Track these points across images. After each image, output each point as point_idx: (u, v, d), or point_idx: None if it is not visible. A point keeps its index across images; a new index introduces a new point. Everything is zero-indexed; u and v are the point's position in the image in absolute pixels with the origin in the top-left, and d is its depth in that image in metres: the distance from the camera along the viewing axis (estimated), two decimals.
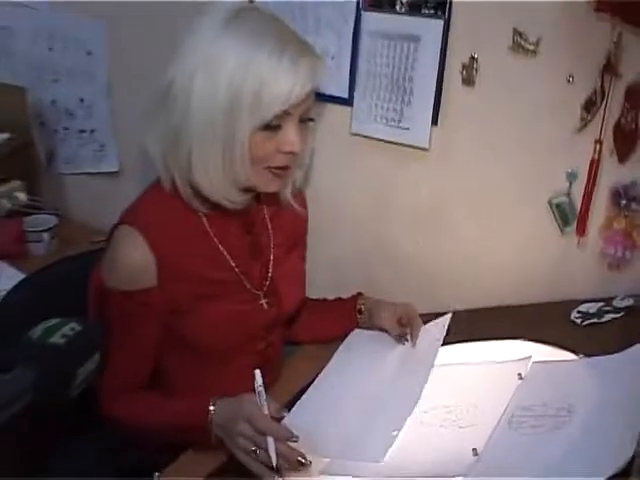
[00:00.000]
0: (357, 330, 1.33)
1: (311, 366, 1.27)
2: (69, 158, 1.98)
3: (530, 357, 1.14)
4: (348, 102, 1.47)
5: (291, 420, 1.05)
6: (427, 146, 1.40)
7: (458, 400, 1.09)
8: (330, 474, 0.98)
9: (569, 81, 1.23)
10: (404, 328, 1.25)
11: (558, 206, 1.31)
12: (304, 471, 0.98)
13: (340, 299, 1.38)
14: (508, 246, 1.39)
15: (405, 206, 1.49)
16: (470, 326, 1.29)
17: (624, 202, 1.24)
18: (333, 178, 1.55)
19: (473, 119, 1.35)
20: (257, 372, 1.05)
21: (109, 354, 1.06)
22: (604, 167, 1.25)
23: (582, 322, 1.23)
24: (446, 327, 1.20)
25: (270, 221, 1.25)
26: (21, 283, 1.37)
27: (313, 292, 1.45)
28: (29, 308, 1.31)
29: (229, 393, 1.07)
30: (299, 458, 0.97)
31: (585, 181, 1.26)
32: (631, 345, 1.06)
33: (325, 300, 1.40)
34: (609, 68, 1.17)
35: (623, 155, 1.22)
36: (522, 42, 1.25)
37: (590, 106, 1.21)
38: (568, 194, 1.30)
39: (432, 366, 1.15)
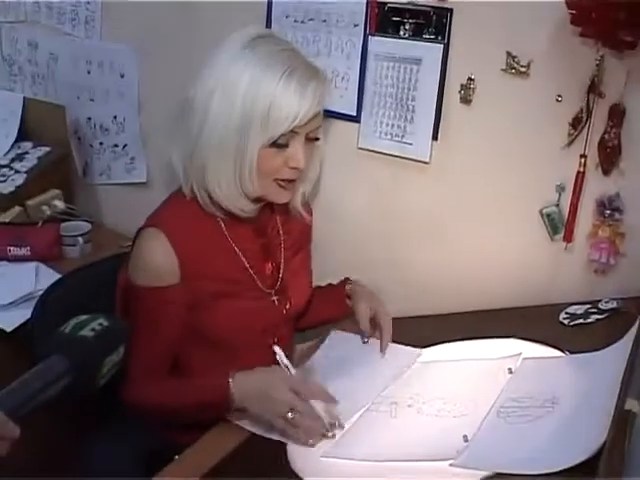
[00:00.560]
0: (334, 331, 1.33)
1: None
2: (103, 170, 2.02)
3: (520, 354, 1.15)
4: (356, 119, 1.49)
5: None
6: (428, 160, 1.41)
7: (453, 392, 1.10)
8: (330, 457, 0.99)
9: (558, 100, 1.24)
10: (373, 330, 1.25)
11: (548, 216, 1.31)
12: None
13: (330, 285, 1.39)
14: (502, 253, 1.39)
15: (407, 215, 1.49)
16: (466, 326, 1.30)
17: (608, 212, 1.24)
18: (341, 189, 1.56)
19: (470, 135, 1.36)
20: (276, 348, 1.07)
21: (134, 346, 1.10)
22: (590, 179, 1.25)
23: (570, 323, 1.23)
24: (415, 361, 1.21)
25: (281, 227, 1.28)
26: (57, 282, 1.40)
27: None
28: (64, 305, 1.33)
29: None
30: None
31: (571, 192, 1.26)
32: (613, 343, 1.07)
33: (318, 287, 1.40)
34: (593, 88, 1.18)
35: (607, 168, 1.22)
36: (515, 64, 1.27)
37: (577, 123, 1.22)
38: (557, 204, 1.30)
39: (389, 384, 1.16)
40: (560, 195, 1.30)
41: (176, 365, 1.22)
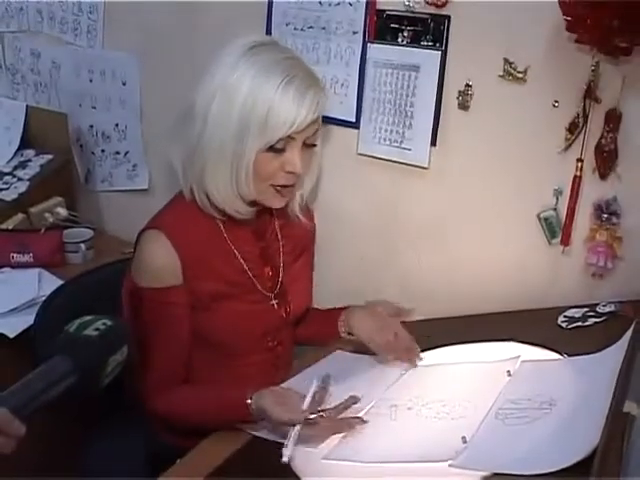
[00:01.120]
0: (338, 351, 1.32)
1: None
2: (105, 177, 2.03)
3: (519, 356, 1.16)
4: (355, 125, 1.50)
5: None
6: (427, 165, 1.43)
7: (452, 395, 1.11)
8: (331, 459, 1.00)
9: (554, 106, 1.25)
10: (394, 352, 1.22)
11: (546, 220, 1.32)
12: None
13: (330, 310, 1.37)
14: (501, 257, 1.40)
15: (407, 220, 1.50)
16: (465, 330, 1.31)
17: (605, 216, 1.25)
18: (341, 194, 1.57)
19: (468, 140, 1.38)
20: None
21: (147, 353, 1.11)
22: (587, 184, 1.26)
23: (568, 326, 1.23)
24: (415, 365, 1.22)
25: (280, 231, 1.28)
26: (60, 288, 1.42)
27: (321, 300, 1.47)
28: (66, 311, 1.34)
29: (243, 387, 1.09)
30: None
31: (569, 196, 1.27)
32: (610, 346, 1.08)
33: (318, 309, 1.41)
34: (589, 94, 1.19)
35: (604, 173, 1.23)
36: (512, 70, 1.28)
37: (573, 128, 1.23)
38: (555, 209, 1.31)
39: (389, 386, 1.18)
40: (557, 199, 1.31)
41: None
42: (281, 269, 1.27)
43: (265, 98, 1.07)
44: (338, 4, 1.46)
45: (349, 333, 1.30)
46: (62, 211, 1.94)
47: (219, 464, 1.03)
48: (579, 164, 1.25)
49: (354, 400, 1.08)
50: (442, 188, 1.44)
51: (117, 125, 1.96)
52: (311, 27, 1.51)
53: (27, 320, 1.49)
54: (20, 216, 1.90)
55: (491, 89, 1.32)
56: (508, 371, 1.13)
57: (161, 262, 1.13)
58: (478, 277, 1.44)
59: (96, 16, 1.90)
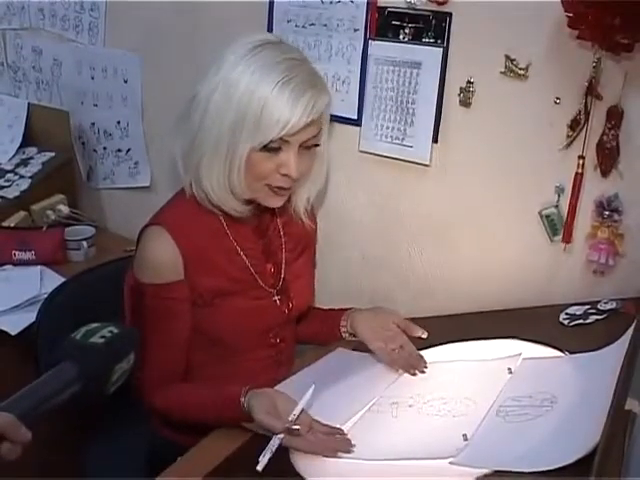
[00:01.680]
0: (340, 349, 1.32)
1: None
2: (107, 174, 2.04)
3: (520, 354, 1.16)
4: (357, 123, 1.50)
5: None
6: (428, 162, 1.43)
7: (454, 392, 1.11)
8: (332, 457, 1.00)
9: (556, 102, 1.25)
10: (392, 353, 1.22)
11: (548, 217, 1.32)
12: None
13: (332, 310, 1.37)
14: (502, 254, 1.40)
15: (408, 217, 1.50)
16: (468, 327, 1.32)
17: (607, 213, 1.24)
18: (343, 191, 1.57)
19: (470, 137, 1.38)
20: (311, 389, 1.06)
21: (147, 348, 1.11)
22: (589, 181, 1.26)
23: (569, 323, 1.23)
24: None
25: (282, 228, 1.28)
26: (62, 286, 1.41)
27: (324, 298, 1.49)
28: (68, 308, 1.35)
29: (246, 384, 1.09)
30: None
31: (570, 193, 1.27)
32: (611, 343, 1.08)
33: (319, 308, 1.41)
34: (591, 90, 1.18)
35: (605, 170, 1.23)
36: (513, 67, 1.28)
37: (575, 125, 1.23)
38: (557, 206, 1.31)
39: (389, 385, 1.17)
40: (559, 196, 1.30)
41: None
42: (283, 266, 1.27)
43: (261, 95, 1.06)
44: (339, 1, 1.46)
45: (351, 334, 1.30)
46: (64, 209, 1.95)
47: (219, 462, 1.03)
48: (581, 161, 1.24)
49: (340, 432, 1.05)
50: (444, 185, 1.44)
51: (119, 122, 1.96)
52: (312, 24, 1.51)
53: (29, 318, 1.50)
54: (22, 214, 1.91)
55: (493, 86, 1.32)
56: (509, 369, 1.12)
57: (163, 258, 1.13)
58: (479, 274, 1.44)
59: (98, 13, 1.90)
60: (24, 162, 2.05)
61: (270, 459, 0.97)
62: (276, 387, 1.18)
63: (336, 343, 1.34)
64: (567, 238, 1.30)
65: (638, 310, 1.18)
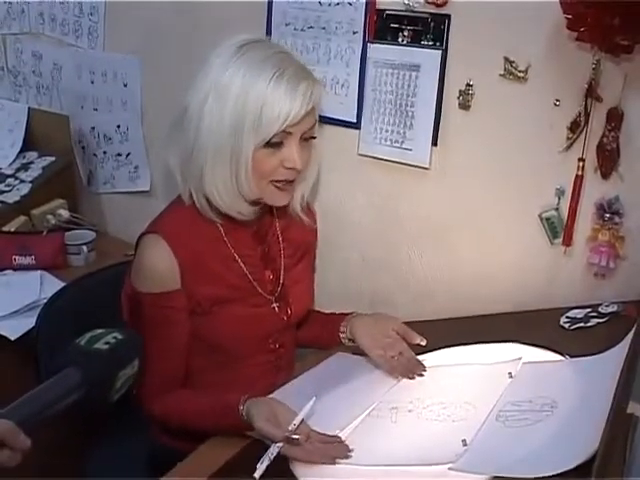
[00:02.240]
0: (340, 353, 1.31)
1: None
2: (107, 179, 2.04)
3: (520, 358, 1.15)
4: (356, 126, 1.50)
5: None
6: (428, 165, 1.42)
7: (453, 397, 1.10)
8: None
9: (556, 105, 1.24)
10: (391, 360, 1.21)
11: (548, 220, 1.31)
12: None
13: (332, 314, 1.36)
14: (502, 257, 1.40)
15: (408, 220, 1.50)
16: (467, 331, 1.30)
17: (608, 215, 1.24)
18: (342, 195, 1.57)
19: (469, 140, 1.37)
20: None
21: (145, 355, 1.10)
22: (589, 183, 1.26)
23: (570, 327, 1.22)
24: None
25: (281, 233, 1.27)
26: (61, 291, 1.41)
27: (323, 300, 1.48)
28: (68, 313, 1.35)
29: (245, 390, 1.10)
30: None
31: (570, 195, 1.26)
32: (612, 347, 1.07)
33: (319, 312, 1.40)
34: (591, 92, 1.18)
35: (606, 172, 1.22)
36: (513, 69, 1.27)
37: (575, 127, 1.22)
38: (557, 208, 1.30)
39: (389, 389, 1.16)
40: (559, 199, 1.30)
41: None
42: (282, 272, 1.26)
43: (258, 94, 1.06)
44: (338, 4, 1.46)
45: (350, 340, 1.29)
46: (64, 213, 1.95)
47: (218, 467, 1.03)
48: (581, 163, 1.24)
49: (338, 440, 1.04)
50: (443, 188, 1.43)
51: (119, 127, 1.96)
52: (311, 27, 1.51)
53: (28, 323, 1.50)
54: (22, 218, 1.91)
55: (492, 88, 1.31)
56: (509, 373, 1.12)
57: (160, 267, 1.13)
58: (479, 277, 1.44)
59: (97, 17, 1.90)
60: (24, 166, 2.05)
61: (268, 466, 0.97)
62: (276, 391, 1.17)
63: (336, 347, 1.33)
64: (567, 241, 1.29)
65: (639, 313, 1.17)
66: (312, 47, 1.52)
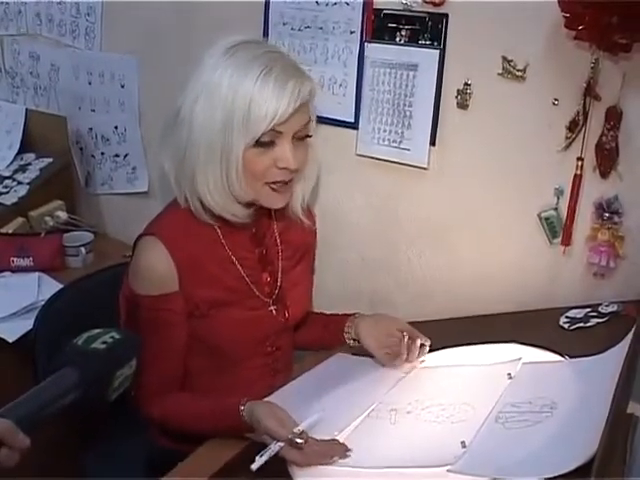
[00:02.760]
0: (340, 354, 1.31)
1: None
2: (105, 180, 2.03)
3: (520, 359, 1.14)
4: (354, 126, 1.49)
5: None
6: (426, 165, 1.42)
7: (452, 398, 1.09)
8: (330, 465, 0.99)
9: (554, 104, 1.24)
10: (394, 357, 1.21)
11: (547, 219, 1.31)
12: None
13: (335, 315, 1.35)
14: (501, 257, 1.39)
15: (406, 220, 1.49)
16: (466, 331, 1.30)
17: (607, 215, 1.23)
18: (341, 195, 1.56)
19: (468, 140, 1.37)
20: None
21: (143, 358, 1.09)
22: (588, 183, 1.25)
23: (570, 327, 1.22)
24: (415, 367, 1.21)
25: (279, 236, 1.26)
26: (59, 293, 1.40)
27: (322, 301, 1.47)
28: (65, 315, 1.34)
29: (243, 391, 1.09)
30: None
31: (569, 195, 1.26)
32: (612, 347, 1.06)
33: (322, 313, 1.40)
34: (589, 91, 1.17)
35: (605, 171, 1.21)
36: (511, 68, 1.27)
37: (573, 126, 1.22)
38: (556, 208, 1.29)
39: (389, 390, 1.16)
40: (558, 199, 1.29)
41: None
42: (279, 274, 1.25)
43: (245, 92, 1.05)
44: (335, 4, 1.45)
45: (355, 340, 1.28)
46: (62, 214, 1.94)
47: (219, 468, 1.03)
48: (579, 163, 1.23)
49: (336, 442, 1.03)
50: (442, 188, 1.43)
51: (116, 128, 1.95)
52: (308, 27, 1.50)
53: (27, 324, 1.49)
54: (20, 220, 1.90)
55: (490, 88, 1.31)
56: (509, 374, 1.11)
57: (157, 269, 1.12)
58: (478, 278, 1.43)
59: (94, 18, 1.90)
60: (22, 168, 2.04)
61: (266, 462, 0.97)
62: (275, 393, 1.17)
63: (339, 348, 1.33)
64: (566, 241, 1.28)
65: (639, 313, 1.17)
66: (309, 47, 1.51)
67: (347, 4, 1.44)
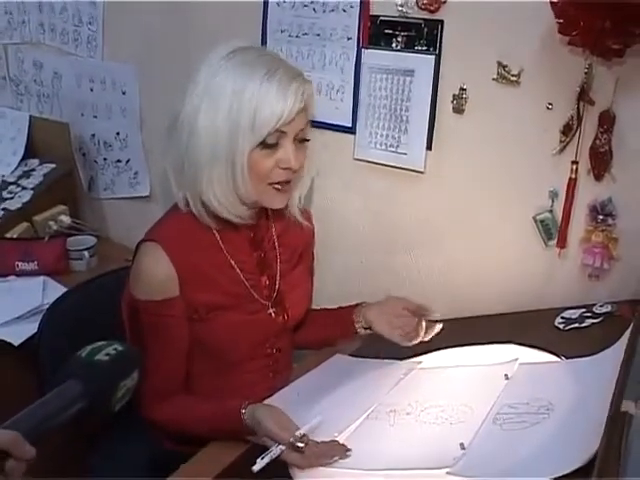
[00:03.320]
0: (338, 355, 1.30)
1: None
2: (107, 185, 2.02)
3: (516, 359, 1.12)
4: (351, 130, 1.48)
5: None
6: (423, 169, 1.40)
7: (451, 399, 1.08)
8: (330, 466, 0.97)
9: (548, 108, 1.23)
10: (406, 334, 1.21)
11: (542, 222, 1.29)
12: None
13: (341, 308, 1.35)
14: (497, 259, 1.38)
15: (404, 223, 1.48)
16: (464, 332, 1.28)
17: (601, 217, 1.22)
18: (339, 198, 1.55)
19: (464, 144, 1.35)
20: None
21: (145, 362, 1.08)
22: (582, 185, 1.24)
23: (565, 327, 1.20)
24: (414, 368, 1.19)
25: (277, 239, 1.25)
26: (63, 296, 1.39)
27: (322, 301, 1.44)
28: (70, 318, 1.33)
29: (244, 393, 1.08)
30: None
31: (564, 198, 1.24)
32: (608, 347, 1.05)
33: (327, 309, 1.38)
34: (583, 96, 1.16)
35: (599, 174, 1.20)
36: (506, 73, 1.26)
37: (568, 130, 1.20)
38: (551, 210, 1.28)
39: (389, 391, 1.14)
40: (553, 201, 1.28)
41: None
42: (278, 277, 1.24)
43: (250, 95, 1.05)
44: (332, 11, 1.44)
45: (367, 328, 1.27)
46: (66, 219, 1.93)
47: (223, 468, 1.01)
48: (574, 166, 1.22)
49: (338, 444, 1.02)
50: (438, 191, 1.41)
51: (118, 134, 1.94)
52: (306, 34, 1.49)
53: (31, 328, 1.47)
54: (24, 225, 1.89)
55: (485, 92, 1.29)
56: (506, 375, 1.09)
57: (158, 275, 1.11)
58: (475, 279, 1.42)
59: (96, 27, 1.88)
60: (26, 174, 2.02)
61: (267, 465, 0.96)
62: (275, 395, 1.16)
63: (335, 349, 1.31)
64: (562, 243, 1.27)
65: (633, 313, 1.15)
66: (307, 53, 1.50)
67: (344, 11, 1.42)
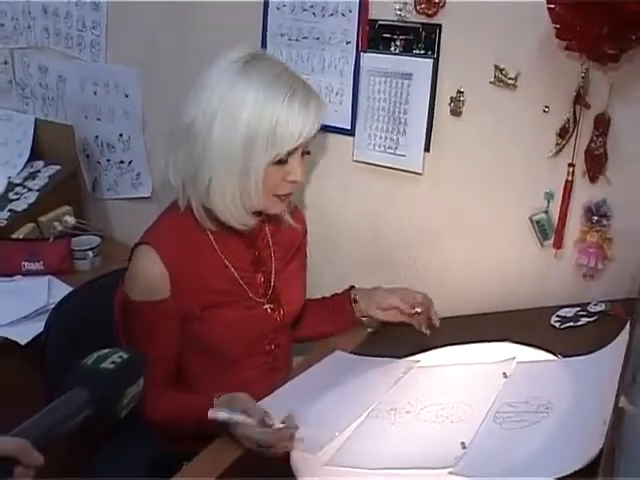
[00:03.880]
0: (338, 352, 1.28)
1: None
2: (110, 186, 2.00)
3: (514, 358, 1.11)
4: (350, 133, 1.46)
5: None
6: (421, 171, 1.38)
7: (450, 398, 1.06)
8: (333, 465, 0.95)
9: (545, 111, 1.21)
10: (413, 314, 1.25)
11: (538, 222, 1.28)
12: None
13: (336, 294, 1.35)
14: (494, 259, 1.36)
15: (402, 224, 1.46)
16: (461, 331, 1.27)
17: (596, 218, 1.21)
18: (338, 200, 1.53)
19: (461, 146, 1.33)
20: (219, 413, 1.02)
21: None
22: (577, 187, 1.22)
23: (561, 326, 1.19)
24: (413, 367, 1.18)
25: (271, 238, 1.24)
26: (68, 296, 1.38)
27: None
28: (75, 317, 1.32)
29: (244, 391, 1.06)
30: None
31: (561, 200, 1.23)
32: (603, 346, 1.03)
33: (323, 298, 1.38)
34: (579, 99, 1.14)
35: (594, 176, 1.18)
36: (503, 77, 1.24)
37: (564, 133, 1.19)
38: (546, 212, 1.27)
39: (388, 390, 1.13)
40: (549, 202, 1.26)
41: (180, 376, 1.19)
42: (273, 275, 1.23)
43: (272, 113, 1.04)
44: (331, 15, 1.42)
45: (364, 316, 1.29)
46: (70, 219, 1.91)
47: (225, 468, 1.00)
48: (570, 168, 1.20)
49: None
50: (436, 192, 1.40)
51: (121, 135, 1.92)
52: (305, 37, 1.46)
53: (38, 327, 1.45)
54: (30, 225, 1.87)
55: (482, 95, 1.28)
56: (504, 373, 1.07)
57: (150, 277, 1.10)
58: (472, 279, 1.40)
59: (99, 31, 1.86)
60: (32, 175, 2.00)
61: (263, 461, 0.97)
62: (274, 393, 1.14)
63: (334, 347, 1.30)
64: (558, 244, 1.25)
65: (627, 312, 1.14)
66: (307, 57, 1.47)
67: (343, 15, 1.40)
